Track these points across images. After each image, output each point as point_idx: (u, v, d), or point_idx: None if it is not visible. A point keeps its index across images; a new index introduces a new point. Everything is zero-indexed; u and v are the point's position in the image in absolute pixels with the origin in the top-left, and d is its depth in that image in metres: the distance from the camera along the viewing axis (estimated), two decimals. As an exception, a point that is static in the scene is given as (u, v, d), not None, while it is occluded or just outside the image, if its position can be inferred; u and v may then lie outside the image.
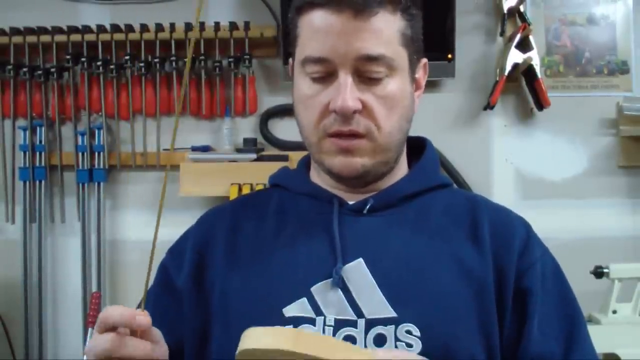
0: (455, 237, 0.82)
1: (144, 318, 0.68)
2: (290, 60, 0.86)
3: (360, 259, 0.79)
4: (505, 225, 0.84)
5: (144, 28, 2.12)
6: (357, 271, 0.78)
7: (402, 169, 0.90)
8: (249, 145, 2.13)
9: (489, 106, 2.08)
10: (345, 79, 0.77)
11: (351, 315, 0.76)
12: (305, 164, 0.93)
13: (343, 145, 0.79)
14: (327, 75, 0.78)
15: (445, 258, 0.80)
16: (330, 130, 0.79)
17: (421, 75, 0.87)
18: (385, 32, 0.77)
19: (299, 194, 0.89)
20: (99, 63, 2.13)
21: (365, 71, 0.77)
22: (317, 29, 0.78)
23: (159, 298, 0.87)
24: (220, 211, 0.93)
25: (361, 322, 0.75)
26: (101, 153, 2.19)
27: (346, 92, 0.76)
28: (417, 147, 0.93)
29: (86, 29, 2.13)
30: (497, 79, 2.07)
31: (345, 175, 0.82)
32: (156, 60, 2.12)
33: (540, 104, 2.08)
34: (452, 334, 0.75)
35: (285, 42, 0.86)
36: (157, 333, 0.72)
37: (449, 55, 2.06)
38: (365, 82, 0.78)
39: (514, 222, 0.86)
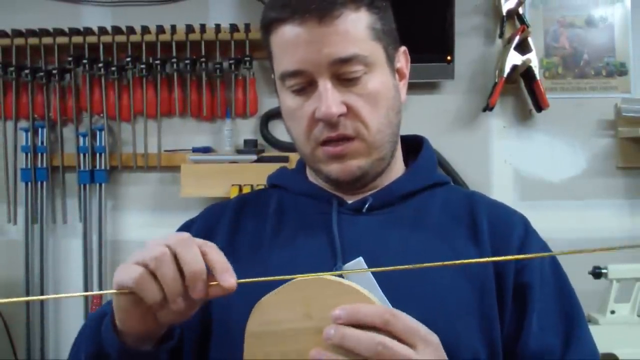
0: (454, 234, 0.83)
1: (234, 282, 0.63)
2: (273, 77, 0.86)
3: (360, 258, 0.78)
4: (504, 221, 0.85)
5: (145, 30, 2.13)
6: None
7: (398, 166, 0.90)
8: (250, 146, 2.14)
9: (488, 108, 2.09)
10: (325, 86, 0.77)
11: None
12: (303, 164, 0.94)
13: (335, 152, 0.80)
14: (307, 86, 0.79)
15: (444, 255, 0.80)
16: (321, 139, 0.80)
17: (403, 63, 0.87)
18: (353, 31, 0.77)
19: (297, 194, 0.89)
20: (100, 65, 2.15)
21: (342, 73, 0.77)
22: (286, 44, 0.79)
23: None
24: (223, 207, 0.93)
25: None
26: (102, 154, 2.20)
27: (327, 98, 0.76)
28: (414, 146, 0.93)
29: (88, 31, 2.15)
30: (496, 80, 2.08)
31: (343, 180, 0.82)
32: (157, 62, 2.13)
33: (539, 106, 2.09)
34: (454, 331, 0.75)
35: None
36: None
37: (448, 57, 2.07)
38: (345, 84, 0.78)
39: (513, 218, 0.86)
